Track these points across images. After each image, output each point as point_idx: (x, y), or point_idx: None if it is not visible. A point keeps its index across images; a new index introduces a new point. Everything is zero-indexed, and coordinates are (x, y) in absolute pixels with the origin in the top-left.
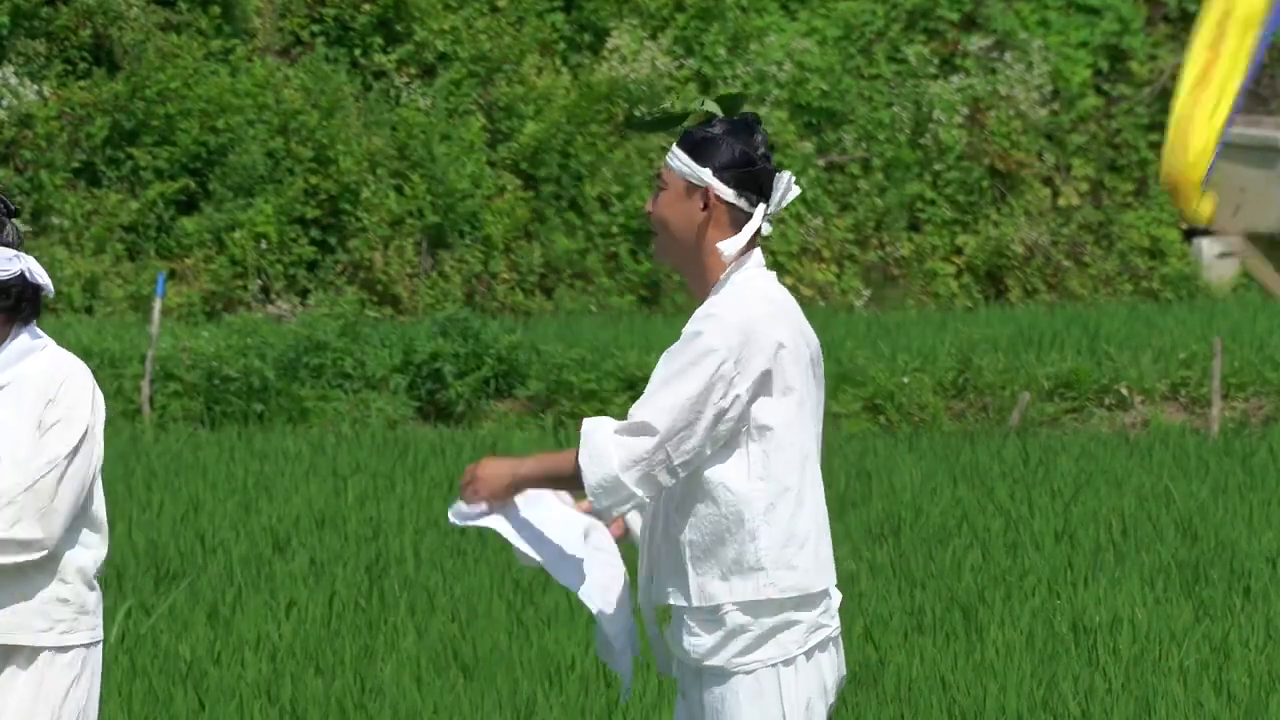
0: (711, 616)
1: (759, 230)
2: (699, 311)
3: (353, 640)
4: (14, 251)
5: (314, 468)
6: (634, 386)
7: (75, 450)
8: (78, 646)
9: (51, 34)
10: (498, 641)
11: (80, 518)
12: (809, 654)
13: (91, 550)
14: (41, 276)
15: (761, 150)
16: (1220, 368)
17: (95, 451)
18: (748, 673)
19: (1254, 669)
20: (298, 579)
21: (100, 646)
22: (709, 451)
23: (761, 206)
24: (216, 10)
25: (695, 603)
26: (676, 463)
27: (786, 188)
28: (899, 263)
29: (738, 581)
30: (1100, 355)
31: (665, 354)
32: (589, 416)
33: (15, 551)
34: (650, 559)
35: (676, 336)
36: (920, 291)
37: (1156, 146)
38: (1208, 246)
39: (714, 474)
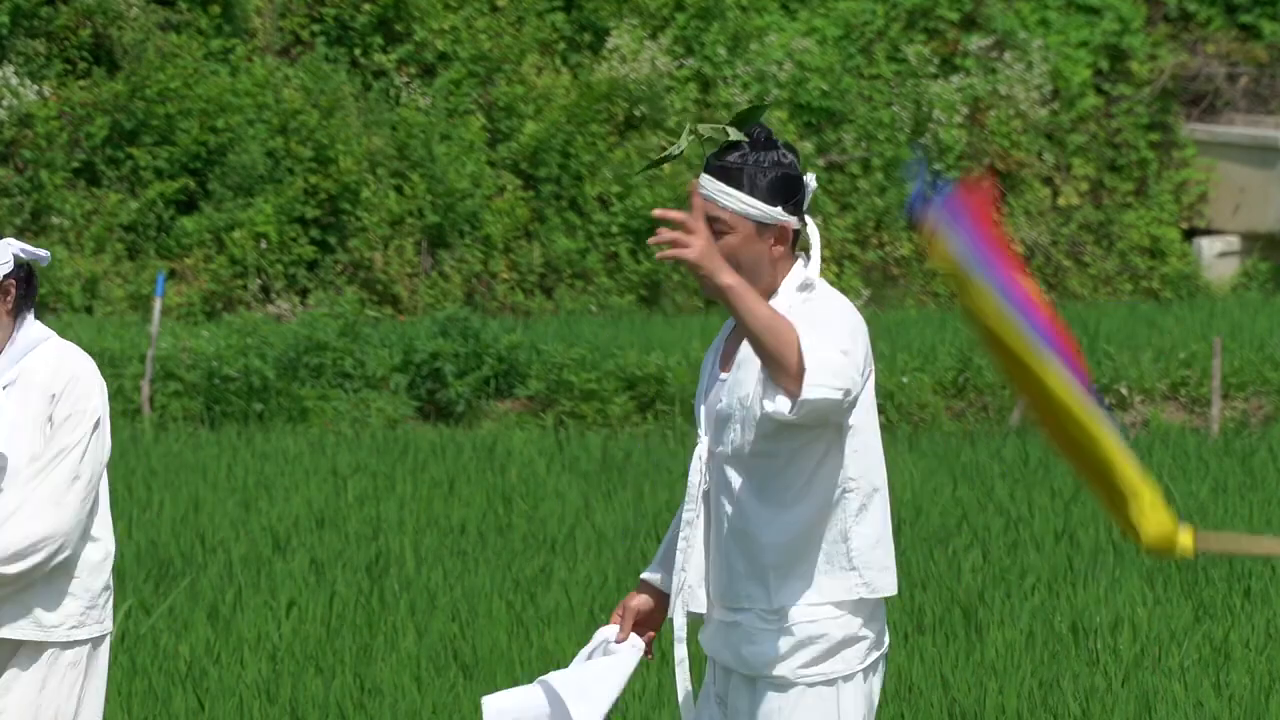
0: (783, 623)
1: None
2: (807, 306)
3: (353, 640)
4: None
5: (314, 467)
6: (634, 386)
7: (85, 443)
8: (83, 642)
9: (51, 34)
10: (498, 641)
11: (89, 513)
12: (865, 672)
13: (100, 543)
14: (33, 251)
15: (793, 161)
16: (1220, 367)
17: (105, 444)
18: (809, 685)
19: (1254, 669)
20: (298, 579)
21: (108, 640)
22: (835, 420)
23: (807, 218)
24: (216, 10)
25: (775, 604)
26: (846, 403)
27: (811, 189)
28: (899, 262)
29: (826, 583)
30: (1100, 355)
31: (810, 315)
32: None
33: (37, 554)
34: (711, 563)
35: (677, 336)
36: (920, 291)
37: (1156, 146)
38: (1208, 246)
39: (806, 472)
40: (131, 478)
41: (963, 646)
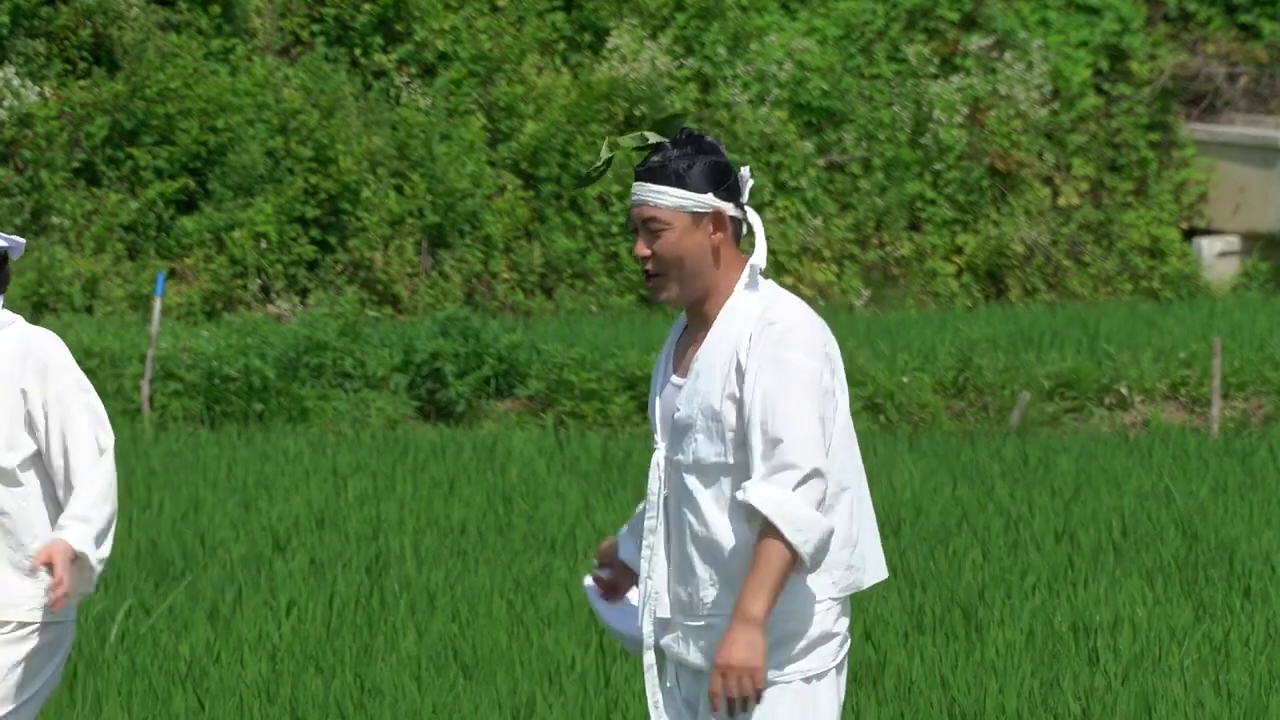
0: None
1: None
2: (773, 331)
3: (353, 640)
4: None
5: (314, 467)
6: (634, 386)
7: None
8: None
9: (51, 34)
10: (498, 641)
11: (56, 497)
12: (837, 668)
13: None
14: (5, 238)
15: (719, 150)
16: (1220, 367)
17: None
18: (786, 683)
19: (1254, 669)
20: (298, 579)
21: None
22: None
23: (746, 208)
24: (216, 10)
25: None
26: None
27: (747, 181)
28: (899, 262)
29: (798, 583)
30: (1100, 355)
31: (770, 386)
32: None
33: (109, 504)
34: (674, 571)
35: None
36: (920, 291)
37: (1156, 146)
38: (1208, 246)
39: None
40: (131, 478)
41: (963, 646)
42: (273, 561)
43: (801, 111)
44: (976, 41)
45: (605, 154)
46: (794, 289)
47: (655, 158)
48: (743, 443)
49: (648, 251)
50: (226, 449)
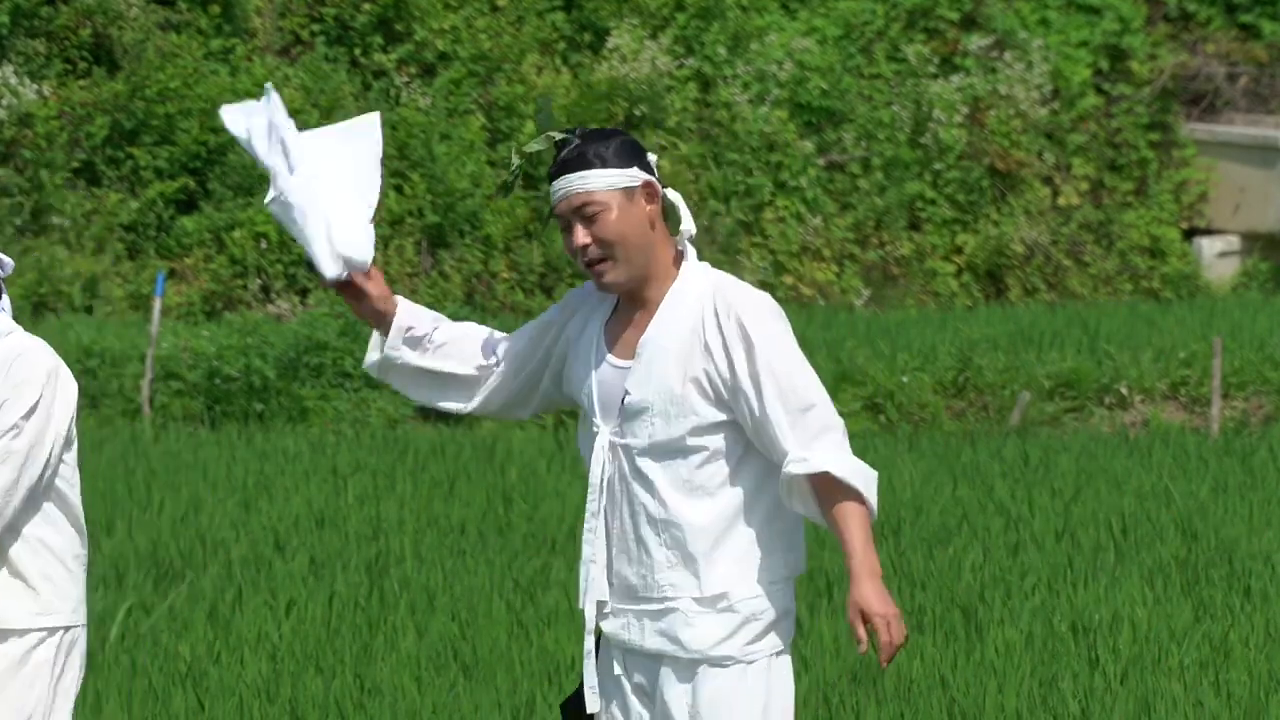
0: (721, 604)
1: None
2: (738, 310)
3: (353, 640)
4: None
5: (314, 467)
6: None
7: (15, 428)
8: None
9: (51, 34)
10: (498, 641)
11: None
12: (789, 649)
13: (61, 536)
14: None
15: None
16: (1220, 367)
17: (49, 432)
18: (749, 663)
19: (1254, 669)
20: (298, 579)
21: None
22: None
23: (667, 191)
24: (216, 10)
25: (708, 591)
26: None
27: (653, 159)
28: (899, 262)
29: (763, 562)
30: (1100, 355)
31: (772, 360)
32: (815, 461)
33: None
34: (621, 554)
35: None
36: (920, 291)
37: (1156, 146)
38: (1208, 246)
39: (733, 459)
40: (131, 478)
41: (963, 646)
42: (273, 561)
43: (801, 111)
44: (976, 41)
45: (516, 161)
46: (794, 289)
47: (567, 150)
48: (710, 428)
49: (588, 239)
50: (226, 449)
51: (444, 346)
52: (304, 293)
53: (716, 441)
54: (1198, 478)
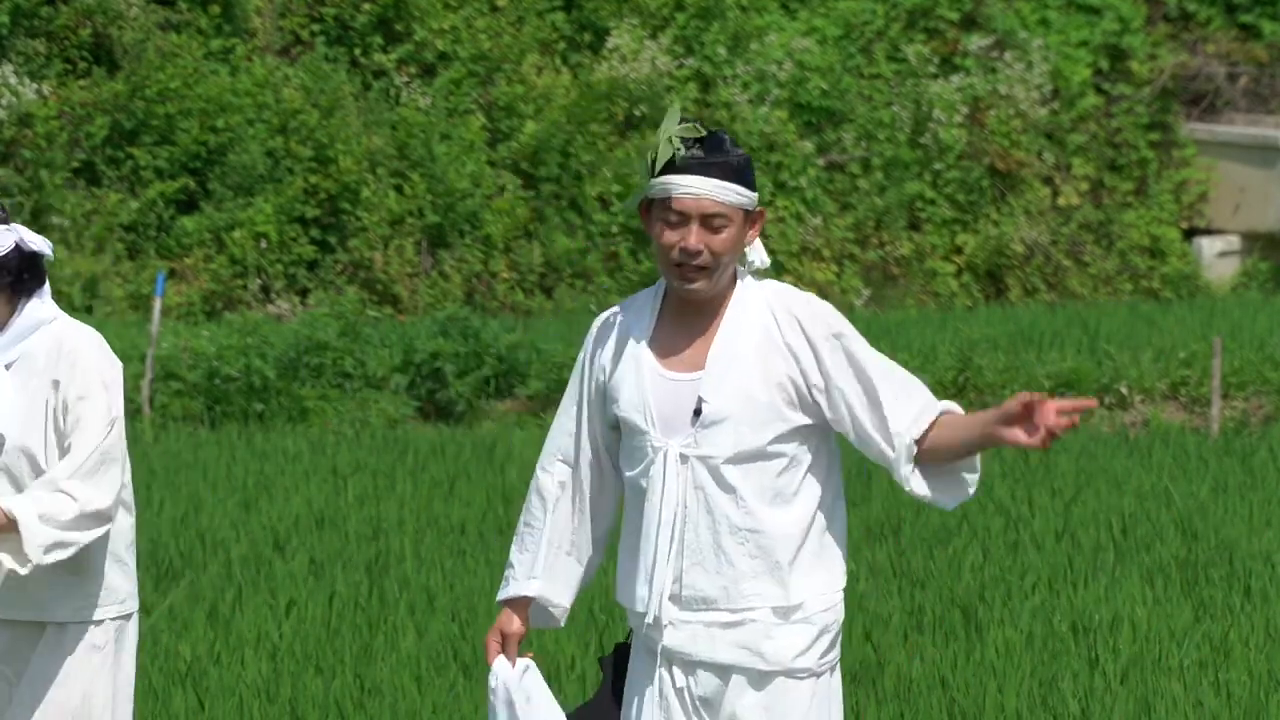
0: (797, 615)
1: None
2: (794, 301)
3: (353, 640)
4: (4, 226)
5: (314, 467)
6: None
7: (106, 418)
8: (107, 621)
9: (51, 33)
10: None
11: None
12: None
13: (120, 523)
14: (38, 243)
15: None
16: (1220, 367)
17: (120, 420)
18: (820, 674)
19: (1254, 669)
20: (298, 579)
21: (133, 620)
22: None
23: None
24: (216, 10)
25: (793, 599)
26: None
27: None
28: (899, 262)
29: (833, 571)
30: (1100, 355)
31: (867, 363)
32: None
33: (89, 525)
34: (695, 565)
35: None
36: (920, 291)
37: (1156, 146)
38: (1208, 246)
39: (805, 466)
40: (132, 478)
41: (963, 646)
42: (273, 561)
43: (801, 111)
44: (976, 41)
45: (665, 152)
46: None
47: (716, 154)
48: (792, 434)
49: (702, 245)
50: (226, 449)
51: (575, 548)
52: (304, 293)
53: (794, 448)
54: (1198, 478)
